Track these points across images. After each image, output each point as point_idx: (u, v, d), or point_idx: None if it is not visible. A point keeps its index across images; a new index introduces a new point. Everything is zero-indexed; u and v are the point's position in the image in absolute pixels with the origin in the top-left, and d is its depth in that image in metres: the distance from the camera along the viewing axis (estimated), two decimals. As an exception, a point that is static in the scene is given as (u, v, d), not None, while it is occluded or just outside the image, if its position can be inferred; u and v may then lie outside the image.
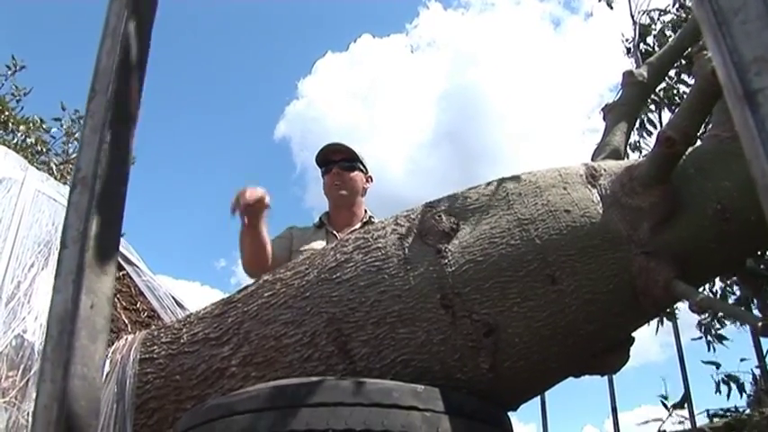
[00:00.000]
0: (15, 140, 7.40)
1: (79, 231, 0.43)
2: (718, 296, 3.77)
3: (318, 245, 2.29)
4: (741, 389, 3.77)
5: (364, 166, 2.58)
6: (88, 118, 0.46)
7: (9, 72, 7.87)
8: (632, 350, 1.64)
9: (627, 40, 4.45)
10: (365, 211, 2.57)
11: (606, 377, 3.36)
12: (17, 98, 7.88)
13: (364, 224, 2.47)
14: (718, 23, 0.34)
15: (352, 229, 2.40)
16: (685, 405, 3.34)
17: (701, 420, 3.51)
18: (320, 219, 2.55)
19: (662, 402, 3.40)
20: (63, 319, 0.42)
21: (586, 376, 1.67)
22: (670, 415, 3.36)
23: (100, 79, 0.48)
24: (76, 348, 0.41)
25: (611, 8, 4.37)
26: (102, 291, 0.42)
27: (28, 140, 7.46)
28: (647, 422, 3.44)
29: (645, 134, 4.12)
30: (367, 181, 2.60)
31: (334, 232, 2.46)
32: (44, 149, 7.71)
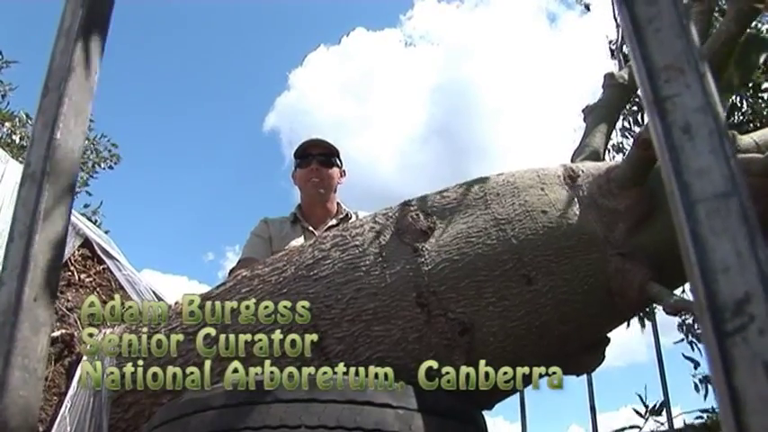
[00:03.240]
0: (1, 136, 7.34)
1: (26, 226, 0.44)
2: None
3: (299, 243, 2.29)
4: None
5: (340, 161, 2.60)
6: (40, 114, 0.47)
7: (-4, 68, 7.81)
8: (618, 351, 1.67)
9: (611, 42, 4.50)
10: (338, 205, 2.58)
11: (585, 377, 3.38)
12: (2, 93, 7.83)
13: (341, 220, 2.48)
14: (635, 30, 0.36)
15: (328, 225, 2.42)
16: (663, 411, 3.39)
17: (680, 423, 3.55)
18: (294, 213, 2.54)
19: (636, 412, 3.45)
20: (6, 311, 0.43)
21: (570, 376, 1.68)
22: (646, 421, 3.40)
23: (53, 77, 0.49)
24: (18, 340, 0.42)
25: (588, 10, 4.46)
26: (46, 284, 0.43)
27: (13, 137, 7.40)
28: (623, 429, 3.48)
29: (628, 135, 4.16)
30: (341, 176, 2.61)
31: (310, 228, 2.46)
32: (30, 146, 7.63)
